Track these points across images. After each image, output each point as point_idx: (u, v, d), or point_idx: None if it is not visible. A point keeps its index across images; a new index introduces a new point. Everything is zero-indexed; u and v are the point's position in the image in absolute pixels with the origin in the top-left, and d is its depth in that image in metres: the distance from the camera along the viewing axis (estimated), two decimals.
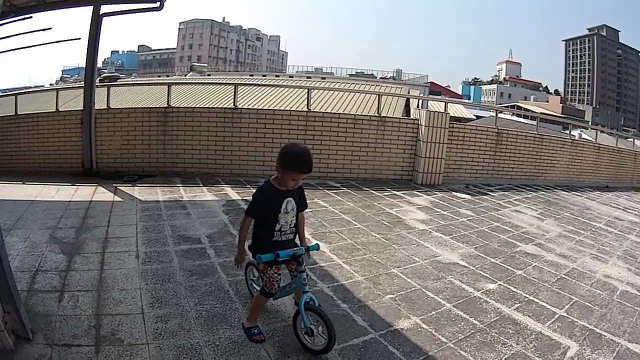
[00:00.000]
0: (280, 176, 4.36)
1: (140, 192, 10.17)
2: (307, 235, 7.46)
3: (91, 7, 11.46)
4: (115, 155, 12.17)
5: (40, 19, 11.31)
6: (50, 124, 12.52)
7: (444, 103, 15.26)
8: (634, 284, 6.97)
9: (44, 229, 7.42)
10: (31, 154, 12.76)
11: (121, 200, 9.52)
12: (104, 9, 11.66)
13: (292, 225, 4.59)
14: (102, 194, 9.98)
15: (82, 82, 12.27)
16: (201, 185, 10.97)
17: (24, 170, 12.41)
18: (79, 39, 13.76)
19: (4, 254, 4.10)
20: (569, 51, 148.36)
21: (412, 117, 13.89)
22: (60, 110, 12.67)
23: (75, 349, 4.12)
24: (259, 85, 23.29)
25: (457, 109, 39.30)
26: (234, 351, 4.25)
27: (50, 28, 13.66)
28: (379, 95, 13.94)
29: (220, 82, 24.53)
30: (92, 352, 4.10)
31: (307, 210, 8.52)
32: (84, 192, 9.99)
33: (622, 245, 9.25)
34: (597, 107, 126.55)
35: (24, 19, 10.69)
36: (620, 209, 13.53)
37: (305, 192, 9.71)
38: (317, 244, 4.61)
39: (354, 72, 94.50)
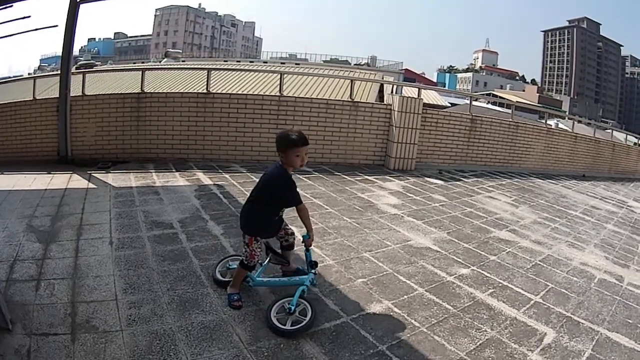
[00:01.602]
0: (286, 159, 4.77)
1: (114, 178, 10.13)
2: None
3: None
4: (90, 142, 12.09)
5: (20, 7, 11.31)
6: (27, 113, 12.38)
7: (417, 89, 15.29)
8: (613, 273, 7.00)
9: (21, 218, 7.38)
10: (9, 143, 12.61)
11: (95, 187, 9.46)
12: None
13: None
14: (77, 181, 9.92)
15: (59, 70, 12.21)
16: (174, 170, 10.94)
17: (3, 160, 12.25)
18: (56, 26, 13.74)
19: None
20: (548, 42, 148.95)
21: (385, 102, 13.98)
22: (37, 98, 12.52)
23: (52, 338, 4.14)
24: (232, 70, 23.34)
25: (431, 96, 39.53)
26: (206, 336, 4.29)
27: (29, 16, 13.61)
28: (351, 80, 13.95)
29: (194, 67, 24.49)
30: (68, 340, 4.12)
31: None
32: (59, 180, 9.93)
33: (600, 234, 9.29)
34: (575, 97, 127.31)
35: (5, 7, 10.63)
36: (597, 198, 13.61)
37: None
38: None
39: (328, 59, 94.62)
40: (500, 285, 5.98)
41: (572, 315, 5.30)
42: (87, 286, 5.13)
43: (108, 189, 9.25)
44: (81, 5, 11.58)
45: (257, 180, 9.34)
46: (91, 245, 6.32)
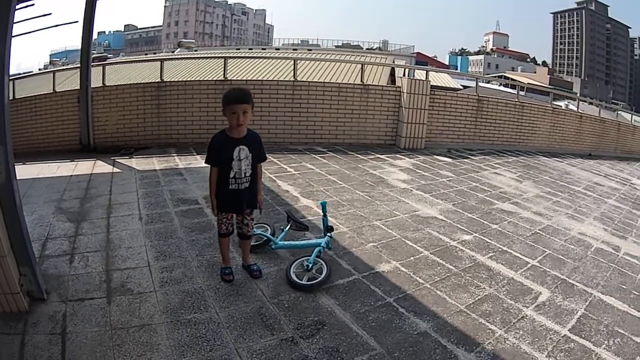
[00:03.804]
0: (227, 119, 4.84)
1: (138, 162, 10.56)
2: (296, 194, 8.15)
3: None
4: (112, 130, 12.53)
5: (40, 4, 11.66)
6: (48, 105, 12.82)
7: (427, 72, 15.57)
8: (610, 243, 7.31)
9: (49, 202, 7.78)
10: (30, 135, 13.07)
11: (120, 171, 9.89)
12: None
13: (248, 175, 4.89)
14: (102, 167, 10.31)
15: (74, 64, 12.59)
16: (195, 153, 11.33)
17: (24, 152, 12.57)
18: (77, 22, 14.13)
19: (22, 216, 4.51)
20: (557, 24, 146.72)
21: (395, 85, 14.37)
22: (57, 91, 12.96)
23: (88, 302, 4.59)
24: (247, 57, 23.69)
25: (444, 79, 39.41)
26: (233, 292, 4.82)
27: (50, 14, 14.03)
28: (362, 64, 14.33)
29: (210, 56, 24.80)
30: (104, 302, 4.59)
31: (294, 172, 9.16)
32: (83, 167, 10.31)
33: (600, 207, 9.57)
34: (586, 79, 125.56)
35: (27, 6, 11.03)
36: (601, 175, 13.73)
37: (293, 157, 10.32)
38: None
39: (340, 44, 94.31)
40: (500, 250, 6.41)
41: (567, 278, 5.65)
42: (120, 256, 5.64)
43: (133, 173, 9.67)
44: (98, 1, 11.99)
45: (275, 160, 9.76)
46: (122, 222, 6.80)
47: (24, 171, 9.98)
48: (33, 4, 11.11)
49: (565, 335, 4.38)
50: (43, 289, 4.62)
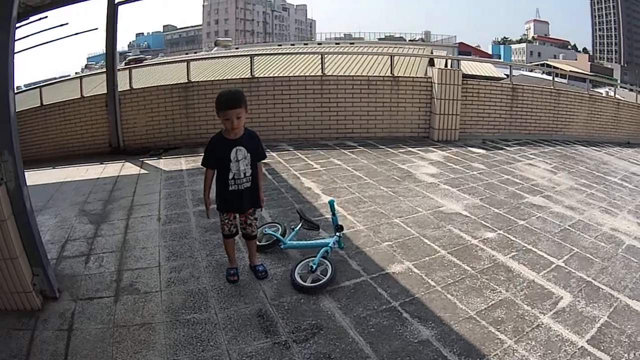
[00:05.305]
0: (222, 123, 4.72)
1: (165, 163, 10.65)
2: (317, 191, 8.06)
3: None
4: (141, 132, 12.68)
5: (57, 14, 11.79)
6: (77, 110, 13.04)
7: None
8: None
9: (73, 205, 7.95)
10: (59, 139, 13.34)
11: (147, 172, 10.00)
12: None
13: (248, 175, 4.84)
14: (129, 168, 10.46)
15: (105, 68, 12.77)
16: None
17: (53, 156, 12.96)
18: (96, 29, 14.31)
19: (32, 220, 4.62)
20: (595, 9, 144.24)
21: (425, 75, 14.19)
22: (85, 96, 13.16)
23: (96, 301, 4.73)
24: (274, 54, 23.60)
25: (487, 68, 39.06)
26: (236, 293, 4.80)
27: (66, 23, 14.24)
28: (391, 56, 14.13)
29: (238, 54, 24.85)
30: (111, 302, 4.70)
31: (320, 168, 9.08)
32: (111, 169, 10.46)
33: (635, 200, 9.01)
34: (626, 65, 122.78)
35: (40, 19, 11.15)
36: (639, 164, 13.16)
37: (322, 152, 10.21)
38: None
39: (383, 36, 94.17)
40: (524, 248, 6.06)
41: (592, 281, 5.25)
42: (133, 257, 5.74)
43: (159, 173, 9.76)
44: (119, 7, 12.09)
45: (303, 157, 9.60)
46: (140, 223, 6.90)
47: (53, 175, 10.34)
48: (46, 17, 11.24)
49: (582, 347, 4.06)
50: (55, 288, 4.81)
